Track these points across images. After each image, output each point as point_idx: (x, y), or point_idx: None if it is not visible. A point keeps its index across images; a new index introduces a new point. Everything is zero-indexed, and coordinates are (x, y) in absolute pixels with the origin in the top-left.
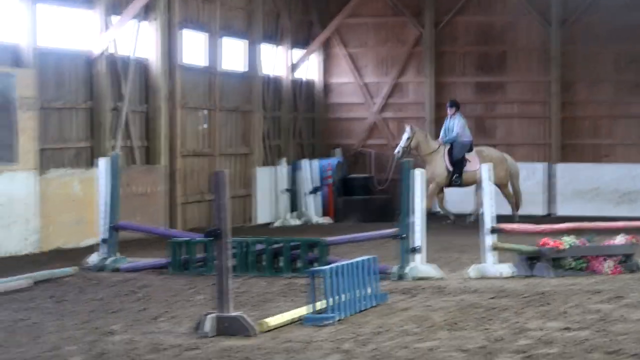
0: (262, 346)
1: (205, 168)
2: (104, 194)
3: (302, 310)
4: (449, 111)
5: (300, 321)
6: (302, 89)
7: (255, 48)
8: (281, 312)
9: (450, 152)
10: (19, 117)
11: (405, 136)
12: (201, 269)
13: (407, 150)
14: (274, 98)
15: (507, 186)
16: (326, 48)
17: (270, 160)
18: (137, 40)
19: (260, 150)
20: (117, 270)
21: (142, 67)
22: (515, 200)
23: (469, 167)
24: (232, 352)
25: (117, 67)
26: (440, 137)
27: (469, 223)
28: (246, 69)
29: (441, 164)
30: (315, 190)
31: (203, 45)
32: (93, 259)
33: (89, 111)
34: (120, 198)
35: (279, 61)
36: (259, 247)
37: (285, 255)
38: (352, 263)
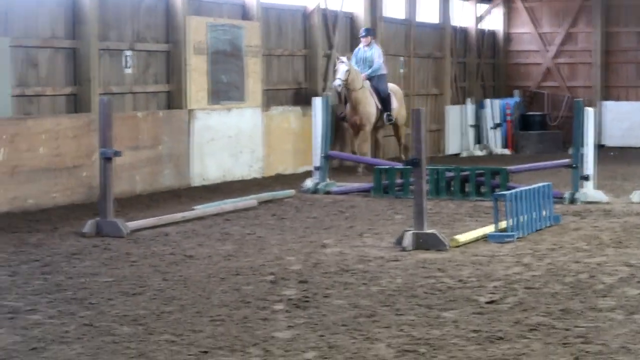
0: (452, 259)
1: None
2: (318, 127)
3: (487, 229)
4: (364, 40)
5: (485, 238)
6: (486, 38)
7: (447, 2)
8: (469, 230)
9: (374, 87)
10: (247, 62)
11: (343, 68)
12: (399, 192)
13: (345, 84)
14: (462, 46)
15: (404, 126)
16: (508, 2)
17: (458, 99)
18: None
19: (449, 91)
20: (328, 193)
21: (349, 20)
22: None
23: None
24: (427, 263)
25: (328, 20)
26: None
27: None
28: (439, 21)
29: (371, 101)
30: (497, 126)
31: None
32: (308, 183)
33: (305, 58)
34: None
35: (467, 14)
36: (449, 174)
37: (471, 181)
38: (530, 188)
